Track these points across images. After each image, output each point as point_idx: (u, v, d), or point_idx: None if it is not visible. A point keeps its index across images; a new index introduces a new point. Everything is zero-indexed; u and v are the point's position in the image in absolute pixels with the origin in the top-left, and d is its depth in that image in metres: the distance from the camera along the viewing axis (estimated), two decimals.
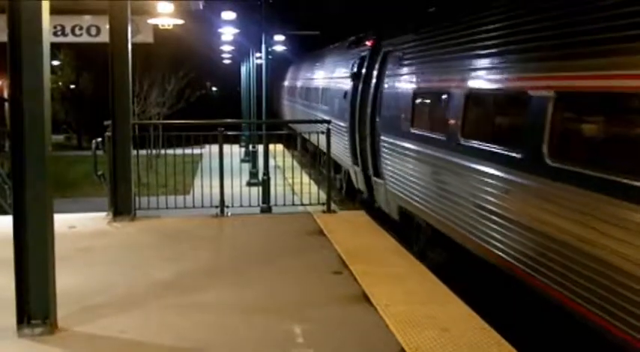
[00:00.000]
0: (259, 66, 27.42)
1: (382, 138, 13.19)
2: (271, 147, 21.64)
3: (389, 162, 12.72)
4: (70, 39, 14.79)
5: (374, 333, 6.15)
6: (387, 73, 13.48)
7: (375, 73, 14.39)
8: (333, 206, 11.91)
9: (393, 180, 12.53)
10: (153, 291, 7.39)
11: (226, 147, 11.87)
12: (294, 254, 8.91)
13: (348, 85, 16.93)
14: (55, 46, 30.93)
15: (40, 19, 5.93)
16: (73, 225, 10.48)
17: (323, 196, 12.45)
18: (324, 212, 11.52)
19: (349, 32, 22.81)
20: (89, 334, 6.20)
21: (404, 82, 12.41)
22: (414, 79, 11.89)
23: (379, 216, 12.83)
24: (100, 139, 11.50)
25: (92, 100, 43.99)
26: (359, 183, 16.31)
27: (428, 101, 11.42)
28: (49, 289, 6.11)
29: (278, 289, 7.48)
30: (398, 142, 12.13)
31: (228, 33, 31.33)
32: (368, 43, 16.06)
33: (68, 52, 45.93)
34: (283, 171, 18.76)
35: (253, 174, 23.98)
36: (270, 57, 28.07)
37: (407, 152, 11.60)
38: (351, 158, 16.38)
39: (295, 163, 17.56)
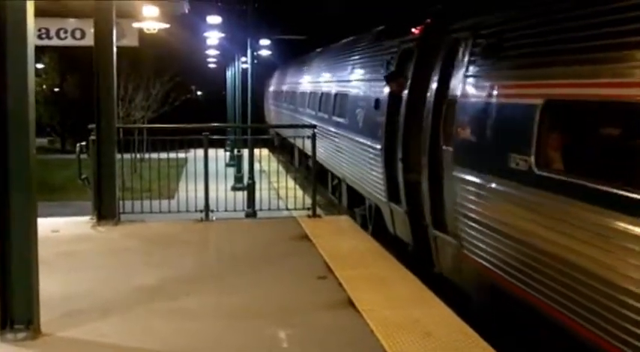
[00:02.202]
0: (245, 70, 27.37)
1: (459, 175, 8.34)
2: (257, 152, 21.63)
3: (476, 216, 7.91)
4: (55, 42, 14.73)
5: (358, 338, 6.16)
6: (466, 71, 8.59)
7: (436, 72, 9.62)
8: (318, 211, 11.91)
9: (483, 245, 7.76)
10: (136, 296, 7.36)
11: (211, 152, 11.84)
12: (279, 259, 8.90)
13: (380, 90, 12.36)
14: (39, 50, 30.80)
15: (25, 20, 5.91)
16: (57, 229, 10.42)
17: (308, 201, 12.44)
18: (309, 217, 11.51)
19: (339, 36, 22.62)
20: (72, 339, 6.16)
21: (512, 86, 7.57)
22: (542, 82, 6.90)
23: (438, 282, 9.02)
24: (84, 143, 11.45)
25: (77, 104, 43.84)
26: (398, 228, 11.48)
27: (577, 121, 6.56)
28: (33, 294, 6.08)
29: (262, 294, 7.46)
30: (501, 188, 7.40)
31: (213, 37, 31.31)
32: (414, 31, 11.54)
33: (53, 56, 45.78)
34: (269, 176, 18.77)
35: (238, 179, 23.95)
36: (255, 61, 28.06)
37: (522, 206, 6.92)
38: (386, 192, 11.69)
39: (281, 168, 17.55)
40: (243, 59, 29.67)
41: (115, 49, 10.92)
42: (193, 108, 48.30)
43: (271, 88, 39.13)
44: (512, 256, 7.08)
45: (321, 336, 6.23)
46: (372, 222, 13.27)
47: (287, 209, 12.80)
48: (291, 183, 18.11)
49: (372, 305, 6.92)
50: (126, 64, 27.25)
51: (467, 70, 8.53)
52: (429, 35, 10.79)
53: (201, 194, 11.48)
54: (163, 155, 12.54)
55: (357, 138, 13.93)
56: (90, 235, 10.27)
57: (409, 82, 10.83)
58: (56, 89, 50.56)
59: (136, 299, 7.25)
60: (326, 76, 20.65)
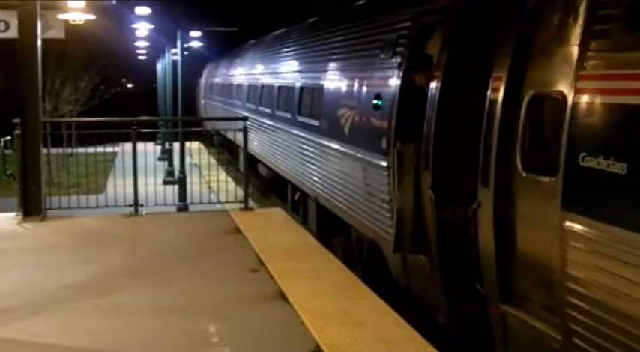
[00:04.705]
0: (176, 62, 27.07)
1: (578, 227, 5.13)
2: (189, 145, 21.44)
3: (618, 306, 4.81)
4: None
5: (289, 330, 6.18)
6: (584, 51, 5.27)
7: (505, 55, 6.25)
8: (250, 203, 11.88)
9: None
10: (67, 293, 7.22)
11: (142, 145, 11.69)
12: (211, 253, 8.85)
13: (382, 84, 9.15)
14: None
15: None
16: None
17: (241, 193, 12.39)
18: (241, 210, 11.47)
19: (272, 28, 22.42)
20: (1, 338, 6.03)
21: None
22: None
23: None
24: (9, 138, 11.19)
25: (2, 98, 42.71)
26: (416, 284, 8.43)
27: None
28: None
29: (194, 288, 7.41)
30: None
31: (142, 28, 30.87)
32: None
33: None
34: (199, 169, 18.63)
35: (169, 173, 23.71)
36: (186, 53, 27.81)
37: None
38: (395, 229, 8.23)
39: (213, 160, 17.39)
40: (174, 51, 29.33)
41: (39, 42, 10.68)
42: (124, 101, 47.55)
43: (206, 81, 38.49)
44: None
45: (252, 329, 6.22)
46: (364, 263, 10.02)
47: (219, 202, 12.72)
48: (223, 176, 18.03)
49: (303, 297, 6.94)
50: (53, 57, 26.67)
51: (586, 47, 5.23)
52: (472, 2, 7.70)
53: (131, 189, 11.33)
54: (93, 149, 12.33)
55: (340, 148, 10.71)
56: (16, 232, 10.04)
57: (442, 72, 7.58)
58: None
59: (66, 297, 7.12)
60: (285, 65, 16.79)
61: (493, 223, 6.21)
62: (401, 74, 8.56)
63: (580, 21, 5.41)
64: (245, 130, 12.17)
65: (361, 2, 12.46)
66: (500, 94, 6.21)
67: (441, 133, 7.48)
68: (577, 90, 5.22)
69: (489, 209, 6.23)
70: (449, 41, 7.65)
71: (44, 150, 10.95)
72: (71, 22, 15.04)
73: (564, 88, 5.40)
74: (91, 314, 6.63)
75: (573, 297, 5.16)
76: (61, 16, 14.62)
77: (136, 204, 11.16)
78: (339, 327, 6.19)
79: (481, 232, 6.41)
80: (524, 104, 5.96)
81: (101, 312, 6.66)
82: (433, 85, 7.71)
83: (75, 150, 25.53)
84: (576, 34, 5.41)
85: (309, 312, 6.53)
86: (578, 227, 5.10)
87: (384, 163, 8.57)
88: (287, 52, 17.02)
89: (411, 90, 8.24)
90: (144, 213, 11.20)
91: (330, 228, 11.68)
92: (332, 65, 12.08)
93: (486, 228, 6.31)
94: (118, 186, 11.68)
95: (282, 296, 7.02)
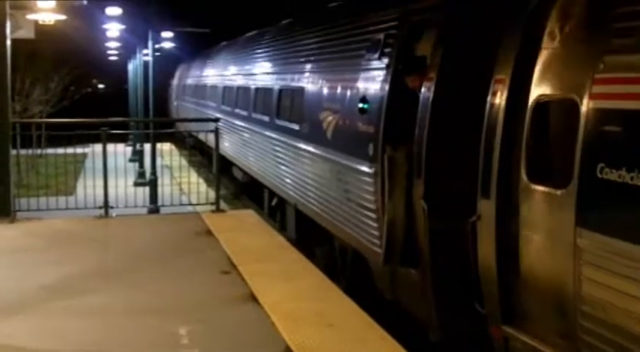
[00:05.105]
0: (147, 63, 26.87)
1: (597, 245, 4.71)
2: (160, 146, 21.33)
3: None
4: None
5: (260, 332, 6.17)
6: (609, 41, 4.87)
7: (509, 54, 5.84)
8: (223, 205, 11.84)
9: None
10: (40, 295, 7.19)
11: (112, 147, 11.62)
12: (182, 255, 8.81)
13: (369, 86, 8.61)
14: None
15: None
16: None
17: (213, 195, 12.34)
18: (212, 212, 11.43)
19: (242, 30, 22.37)
20: None
21: None
22: None
23: None
24: None
25: None
26: (405, 297, 7.93)
27: None
28: None
29: (165, 291, 7.39)
30: None
31: (113, 29, 30.64)
32: None
33: None
34: (171, 171, 18.54)
35: (141, 174, 23.56)
36: (158, 53, 27.66)
37: None
38: (384, 241, 7.61)
39: (185, 162, 17.29)
40: (145, 52, 29.15)
41: (9, 42, 10.59)
42: (95, 101, 47.22)
43: (179, 82, 38.13)
44: None
45: (223, 331, 6.22)
46: (348, 274, 9.57)
47: (190, 204, 12.66)
48: (195, 177, 17.96)
49: (274, 299, 6.94)
50: (23, 57, 26.41)
51: (605, 47, 4.77)
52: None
53: (101, 190, 11.24)
54: (63, 150, 12.22)
55: (322, 153, 10.14)
56: None
57: (436, 74, 7.08)
58: None
59: (39, 299, 7.09)
60: (263, 66, 16.19)
61: (495, 237, 5.74)
62: (389, 76, 8.02)
63: (597, 18, 4.96)
64: (216, 131, 12.12)
65: (341, 1, 11.93)
66: (503, 98, 5.72)
67: (435, 139, 6.96)
68: (593, 95, 4.71)
69: (491, 222, 5.77)
70: (443, 41, 7.13)
71: (13, 151, 10.84)
72: (41, 23, 14.91)
73: (577, 92, 4.89)
74: (63, 315, 6.61)
75: (589, 321, 4.71)
76: (31, 16, 14.48)
77: (106, 205, 11.08)
78: (310, 329, 6.20)
79: (481, 247, 5.93)
80: (529, 109, 5.44)
81: (74, 314, 6.65)
82: (426, 87, 7.14)
83: (45, 152, 25.31)
84: (592, 32, 4.98)
85: (281, 314, 6.53)
86: (595, 245, 4.64)
87: (371, 170, 8.08)
88: (265, 52, 16.40)
89: (402, 93, 7.74)
90: (114, 214, 11.13)
91: (310, 236, 11.19)
92: (313, 66, 11.56)
93: (487, 242, 5.84)
94: (89, 188, 11.58)
95: (254, 298, 7.01)
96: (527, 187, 5.43)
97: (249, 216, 11.46)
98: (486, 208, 5.82)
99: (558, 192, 5.06)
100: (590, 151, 4.71)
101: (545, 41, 5.46)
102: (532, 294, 5.45)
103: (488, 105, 5.93)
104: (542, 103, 5.40)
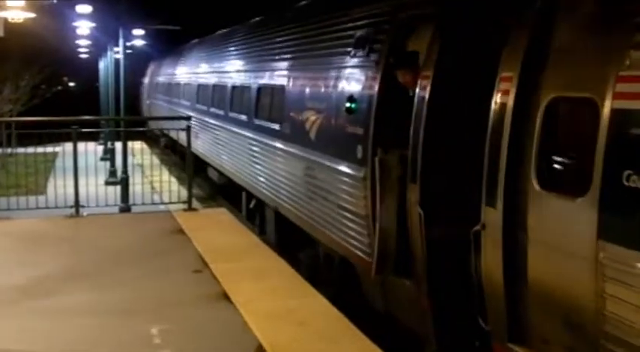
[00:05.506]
0: (119, 61, 26.66)
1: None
2: (132, 145, 21.18)
3: None
4: None
5: (232, 331, 6.16)
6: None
7: (516, 50, 5.40)
8: (194, 204, 11.79)
9: None
10: (10, 296, 7.11)
11: (83, 145, 11.51)
12: (153, 254, 8.75)
13: (356, 84, 8.16)
14: None
15: None
16: None
17: (185, 194, 12.27)
18: (185, 210, 11.38)
19: (214, 27, 22.24)
20: None
21: None
22: None
23: None
24: None
25: None
26: (397, 308, 7.60)
27: None
28: None
29: (137, 290, 7.34)
30: None
31: (84, 27, 30.42)
32: None
33: None
34: (142, 169, 18.42)
35: (112, 173, 23.40)
36: (130, 51, 27.45)
37: None
38: (376, 249, 7.13)
39: (157, 161, 17.17)
40: (116, 49, 28.94)
41: None
42: (66, 100, 46.88)
43: (151, 80, 37.69)
44: None
45: (195, 330, 6.19)
46: (334, 280, 9.12)
47: (162, 203, 12.59)
48: (167, 176, 17.87)
49: (246, 297, 6.93)
50: None
51: (630, 41, 4.33)
52: None
53: (72, 189, 11.14)
54: (34, 149, 12.11)
55: (305, 155, 9.66)
56: None
57: (433, 71, 6.58)
58: None
59: (9, 299, 7.01)
60: (240, 64, 15.64)
61: (502, 249, 5.29)
62: (379, 74, 7.52)
63: (617, 10, 4.49)
64: (188, 129, 12.06)
65: None
66: (511, 98, 5.23)
67: (432, 141, 6.48)
68: (616, 95, 4.28)
69: (497, 232, 5.32)
70: (440, 36, 6.62)
71: None
72: (10, 20, 14.75)
73: (597, 91, 4.43)
74: (33, 316, 6.55)
75: (612, 344, 4.31)
76: (0, 14, 14.33)
77: (76, 204, 10.98)
78: (283, 327, 6.20)
79: (485, 258, 5.51)
80: (541, 109, 4.98)
81: (46, 314, 6.59)
82: (422, 85, 6.64)
83: (15, 151, 25.05)
84: (616, 24, 4.49)
85: (253, 312, 6.52)
86: (620, 260, 4.22)
87: (360, 173, 7.62)
88: (242, 49, 15.82)
89: (393, 92, 7.31)
90: (85, 214, 11.04)
91: (292, 241, 10.72)
92: (294, 64, 11.01)
93: (493, 254, 5.40)
94: (59, 187, 11.48)
95: (226, 297, 6.99)
96: (538, 194, 4.98)
97: (221, 215, 11.41)
98: (492, 217, 5.40)
99: (575, 201, 4.60)
100: (615, 156, 4.28)
101: (558, 35, 5.02)
102: (544, 311, 5.03)
103: (493, 105, 5.45)
104: (555, 103, 4.94)
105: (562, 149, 5.04)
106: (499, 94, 5.42)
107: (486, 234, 5.46)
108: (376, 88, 7.51)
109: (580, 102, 4.71)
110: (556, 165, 5.00)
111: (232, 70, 15.93)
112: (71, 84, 69.22)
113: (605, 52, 4.48)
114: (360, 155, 7.65)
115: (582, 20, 4.85)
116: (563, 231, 4.75)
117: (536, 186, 4.98)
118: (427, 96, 6.51)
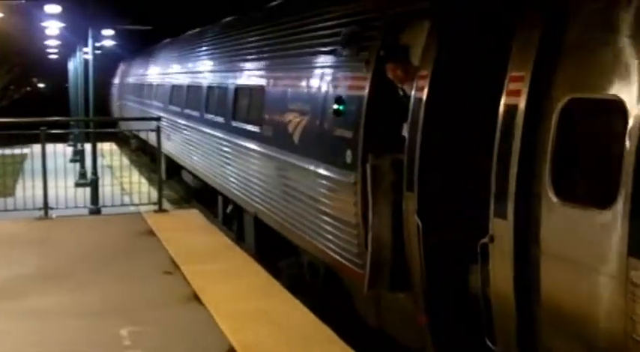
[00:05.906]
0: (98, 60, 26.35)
1: None
2: (102, 146, 21.00)
3: None
4: None
5: (203, 332, 6.12)
6: None
7: (527, 49, 4.99)
8: (166, 205, 11.71)
9: None
10: None
11: (53, 147, 11.38)
12: (123, 256, 8.68)
13: (344, 85, 7.76)
14: None
15: None
16: None
17: (155, 195, 12.18)
18: (155, 211, 11.30)
19: (184, 27, 22.13)
20: None
21: None
22: None
23: None
24: None
25: None
26: (391, 324, 7.28)
27: None
28: None
29: (107, 292, 7.27)
30: None
31: (53, 27, 30.12)
32: None
33: None
34: (111, 171, 18.26)
35: (82, 175, 23.19)
36: (99, 51, 27.23)
37: None
38: (368, 259, 6.69)
39: (127, 162, 17.03)
40: (86, 50, 28.69)
41: None
42: (36, 101, 46.43)
43: (121, 81, 37.25)
44: None
45: (165, 332, 6.15)
46: (320, 291, 8.69)
47: (132, 204, 12.50)
48: (138, 177, 17.74)
49: (218, 299, 6.90)
50: None
51: None
52: None
53: (41, 191, 11.02)
54: (1, 151, 11.96)
55: (288, 159, 9.18)
56: None
57: (430, 71, 6.10)
58: None
59: None
60: (216, 64, 15.06)
61: (513, 264, 4.86)
62: (370, 74, 7.04)
63: None
64: (158, 130, 11.98)
65: None
66: (522, 99, 4.78)
67: (431, 146, 6.02)
68: None
69: (507, 245, 4.90)
70: (438, 32, 6.14)
71: None
72: None
73: (624, 91, 4.06)
74: (5, 318, 6.49)
75: None
76: None
77: (45, 206, 10.88)
78: (255, 328, 6.17)
79: (494, 274, 5.08)
80: (556, 111, 4.53)
81: (13, 316, 6.53)
82: (419, 85, 6.18)
83: None
84: None
85: (224, 313, 6.49)
86: None
87: (349, 179, 7.20)
88: (218, 49, 15.08)
89: (385, 94, 6.88)
90: (54, 216, 10.93)
91: (272, 248, 10.25)
92: (275, 64, 10.47)
93: (502, 268, 4.97)
94: (28, 189, 11.35)
95: (197, 298, 6.95)
96: (553, 205, 4.56)
97: (192, 216, 11.35)
98: (501, 229, 4.96)
99: (598, 213, 4.19)
100: None
101: (575, 29, 4.57)
102: (560, 332, 4.61)
103: (502, 107, 4.98)
104: (573, 104, 4.48)
105: (582, 155, 4.60)
106: (508, 95, 4.96)
107: (495, 247, 5.03)
108: (366, 88, 7.07)
109: (603, 104, 4.27)
110: (574, 174, 4.58)
111: (208, 70, 15.35)
112: (40, 85, 68.57)
113: (635, 48, 4.07)
114: (349, 160, 7.23)
115: (606, 7, 4.35)
116: (583, 245, 4.34)
117: (552, 197, 4.55)
118: (424, 97, 6.05)
